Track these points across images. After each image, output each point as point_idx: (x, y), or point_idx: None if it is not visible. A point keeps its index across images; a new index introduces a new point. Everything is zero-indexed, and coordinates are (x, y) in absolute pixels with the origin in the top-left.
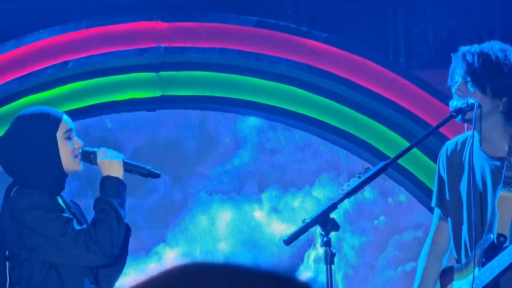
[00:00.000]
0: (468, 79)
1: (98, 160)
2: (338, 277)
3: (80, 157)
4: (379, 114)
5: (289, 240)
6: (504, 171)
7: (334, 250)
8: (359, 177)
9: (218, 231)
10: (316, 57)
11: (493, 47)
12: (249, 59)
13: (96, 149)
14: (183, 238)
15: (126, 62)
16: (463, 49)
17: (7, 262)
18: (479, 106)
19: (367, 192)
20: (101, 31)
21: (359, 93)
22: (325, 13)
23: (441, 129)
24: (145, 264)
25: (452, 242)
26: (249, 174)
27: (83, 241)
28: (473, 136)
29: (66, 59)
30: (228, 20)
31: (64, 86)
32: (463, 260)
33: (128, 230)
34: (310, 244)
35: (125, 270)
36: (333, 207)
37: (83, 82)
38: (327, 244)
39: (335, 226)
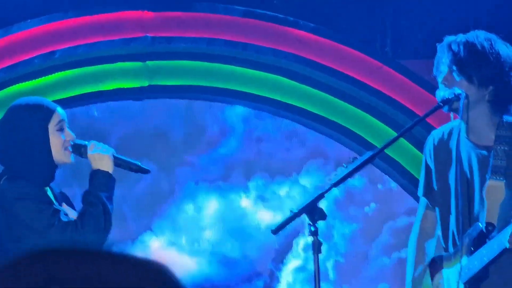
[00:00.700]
0: (454, 68)
1: (89, 153)
2: (328, 265)
3: (71, 150)
4: (365, 104)
5: (276, 230)
6: (491, 160)
7: (322, 240)
8: (346, 167)
9: (205, 220)
10: (303, 46)
11: (479, 36)
12: (236, 49)
13: (87, 142)
14: (169, 226)
15: (113, 52)
16: (449, 38)
17: None
18: (466, 97)
19: (356, 180)
20: (88, 21)
21: (345, 83)
22: (312, 4)
23: (427, 119)
24: (131, 252)
25: (439, 231)
26: (236, 162)
27: (70, 233)
28: (459, 125)
29: (53, 49)
30: (216, 10)
31: (51, 75)
32: (451, 249)
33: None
34: (299, 232)
35: None
36: (320, 197)
37: (70, 71)
38: (314, 233)
39: (322, 216)
